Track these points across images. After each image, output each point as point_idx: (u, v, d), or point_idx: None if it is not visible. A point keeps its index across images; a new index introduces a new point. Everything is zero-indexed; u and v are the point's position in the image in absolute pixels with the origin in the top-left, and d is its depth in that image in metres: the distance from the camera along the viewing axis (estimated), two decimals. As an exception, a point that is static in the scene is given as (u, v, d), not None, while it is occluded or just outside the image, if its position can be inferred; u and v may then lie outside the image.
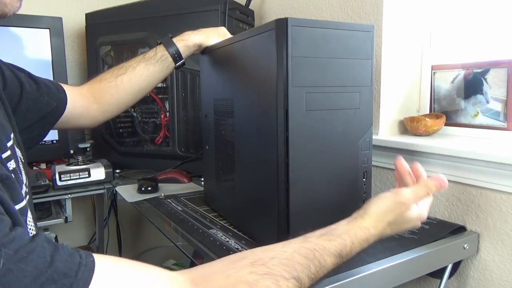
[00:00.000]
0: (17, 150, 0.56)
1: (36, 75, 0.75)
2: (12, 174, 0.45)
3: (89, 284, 0.37)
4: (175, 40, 0.87)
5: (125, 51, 1.32)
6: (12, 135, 0.55)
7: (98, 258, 0.40)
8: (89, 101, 0.83)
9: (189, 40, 0.88)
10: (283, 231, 0.64)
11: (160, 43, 0.87)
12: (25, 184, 0.54)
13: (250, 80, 0.71)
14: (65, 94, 0.78)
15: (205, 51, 0.90)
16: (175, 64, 0.87)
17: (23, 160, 0.58)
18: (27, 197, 0.53)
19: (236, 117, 0.77)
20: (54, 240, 1.32)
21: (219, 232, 0.79)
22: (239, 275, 0.45)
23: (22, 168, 0.55)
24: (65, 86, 0.79)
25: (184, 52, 0.87)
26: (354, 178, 0.68)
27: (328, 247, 0.52)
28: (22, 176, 0.54)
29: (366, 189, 0.69)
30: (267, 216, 0.67)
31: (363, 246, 0.56)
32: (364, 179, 0.68)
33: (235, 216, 0.83)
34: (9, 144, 0.52)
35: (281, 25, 0.59)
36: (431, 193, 0.62)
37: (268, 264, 0.47)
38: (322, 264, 0.50)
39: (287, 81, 0.60)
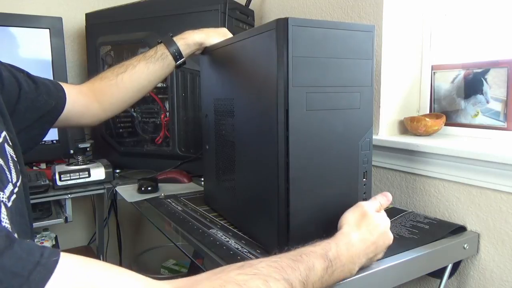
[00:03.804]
0: (7, 148, 0.55)
1: (36, 75, 0.75)
2: None
3: (43, 286, 0.33)
4: (175, 39, 0.88)
5: (125, 51, 1.32)
6: (3, 134, 0.54)
7: (64, 257, 0.36)
8: (89, 100, 0.83)
9: (189, 39, 0.88)
10: (283, 231, 0.63)
11: (160, 42, 0.88)
12: (12, 183, 0.52)
13: (251, 80, 0.71)
14: (64, 93, 0.78)
15: (205, 51, 0.90)
16: (176, 63, 0.87)
17: (15, 159, 0.57)
18: (13, 196, 0.51)
19: (236, 117, 0.77)
20: (54, 240, 1.32)
21: (219, 232, 0.79)
22: (227, 277, 0.45)
23: (12, 167, 0.54)
24: (65, 85, 0.79)
25: (184, 50, 0.87)
26: (354, 178, 0.68)
27: (314, 250, 0.52)
28: (9, 175, 0.52)
29: (366, 189, 0.69)
30: (267, 216, 0.67)
31: (350, 250, 0.56)
32: (364, 179, 0.68)
33: (235, 216, 0.82)
34: None
35: (282, 25, 0.59)
36: (387, 201, 0.67)
37: (257, 266, 0.47)
38: (310, 267, 0.50)
39: (288, 81, 0.60)
